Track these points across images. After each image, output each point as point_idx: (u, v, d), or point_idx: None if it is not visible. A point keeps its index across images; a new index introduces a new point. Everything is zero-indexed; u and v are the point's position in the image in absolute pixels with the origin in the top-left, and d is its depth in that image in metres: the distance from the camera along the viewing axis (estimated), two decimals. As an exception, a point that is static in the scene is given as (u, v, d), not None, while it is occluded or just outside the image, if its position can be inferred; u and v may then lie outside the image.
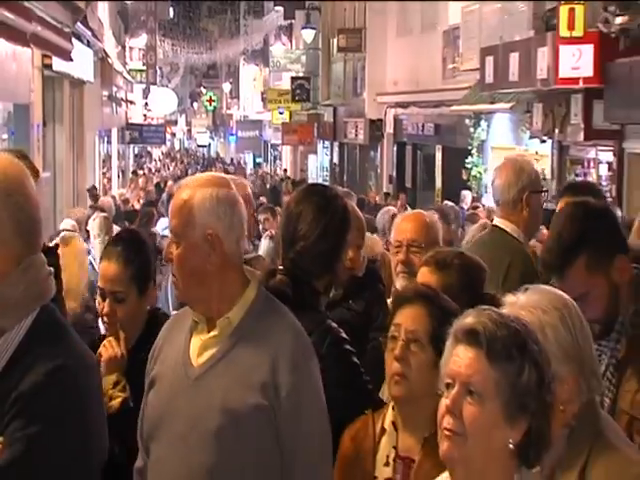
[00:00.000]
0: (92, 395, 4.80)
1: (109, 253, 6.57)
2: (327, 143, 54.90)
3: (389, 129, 42.50)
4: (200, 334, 4.91)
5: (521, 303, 3.99)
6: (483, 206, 26.75)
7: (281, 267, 5.98)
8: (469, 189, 30.57)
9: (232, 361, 4.81)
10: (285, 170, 60.41)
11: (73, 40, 25.09)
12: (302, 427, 4.81)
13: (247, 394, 4.72)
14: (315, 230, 5.84)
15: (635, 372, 5.33)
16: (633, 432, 5.21)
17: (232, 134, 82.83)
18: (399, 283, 7.03)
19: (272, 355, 4.77)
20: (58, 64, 23.53)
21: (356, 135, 47.22)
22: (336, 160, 54.22)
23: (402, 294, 5.32)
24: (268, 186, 51.82)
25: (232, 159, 79.94)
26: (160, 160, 70.12)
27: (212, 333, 4.86)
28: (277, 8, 58.09)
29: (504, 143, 31.17)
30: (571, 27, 22.77)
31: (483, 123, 31.87)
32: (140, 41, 55.27)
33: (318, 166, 55.84)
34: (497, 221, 8.39)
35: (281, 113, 57.44)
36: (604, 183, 23.97)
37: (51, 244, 8.24)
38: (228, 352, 4.83)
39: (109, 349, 6.18)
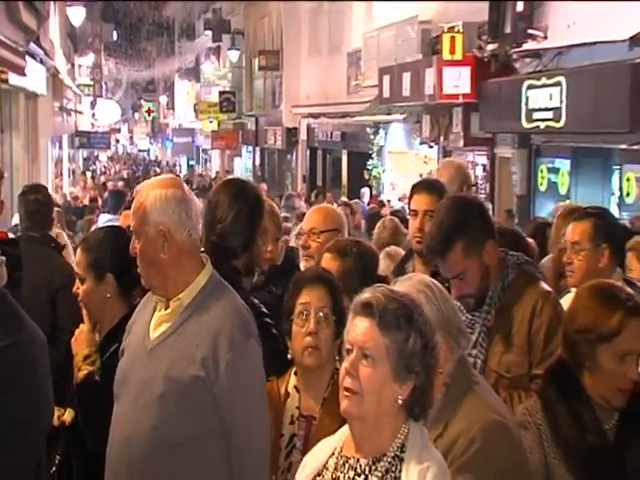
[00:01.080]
0: (40, 368, 4.89)
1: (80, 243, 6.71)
2: (250, 148, 54.83)
3: (303, 136, 42.52)
4: (159, 312, 4.92)
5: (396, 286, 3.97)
6: (389, 201, 27.03)
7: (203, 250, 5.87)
8: (369, 187, 30.64)
9: (180, 336, 4.82)
10: (217, 172, 60.14)
11: (27, 58, 24.99)
12: (239, 398, 4.80)
13: (189, 366, 4.74)
14: (230, 213, 5.87)
15: (501, 337, 5.49)
16: (499, 387, 5.35)
17: (168, 140, 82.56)
18: (302, 265, 7.03)
19: (214, 333, 4.78)
20: (14, 79, 23.52)
21: (275, 141, 47.30)
22: (258, 162, 54.22)
23: (304, 276, 5.32)
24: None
25: (168, 162, 79.74)
26: (106, 163, 69.45)
27: (166, 311, 4.87)
28: (207, 32, 57.91)
29: (399, 148, 31.32)
30: (452, 52, 23.08)
31: (381, 131, 31.91)
32: (88, 59, 54.95)
33: (242, 167, 55.72)
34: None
35: (211, 122, 57.30)
36: (480, 182, 24.32)
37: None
38: (177, 328, 4.84)
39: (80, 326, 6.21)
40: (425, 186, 7.25)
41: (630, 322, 4.50)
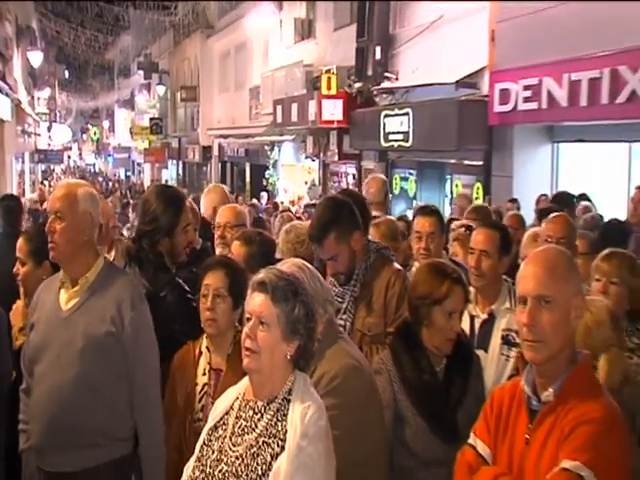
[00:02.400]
0: (2, 336, 5.03)
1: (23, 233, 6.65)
2: (174, 161, 54.18)
3: (215, 152, 42.11)
4: (67, 289, 4.92)
5: (283, 268, 3.97)
6: (282, 202, 26.96)
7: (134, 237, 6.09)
8: (267, 192, 30.50)
9: (90, 304, 4.86)
10: (151, 180, 59.23)
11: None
12: (139, 347, 4.88)
13: (101, 325, 4.80)
14: (157, 208, 5.85)
15: (365, 305, 5.54)
16: (363, 343, 5.40)
17: (110, 156, 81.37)
18: (218, 251, 7.01)
19: (118, 299, 4.86)
20: None
21: (193, 156, 46.78)
22: (180, 173, 53.72)
23: (208, 262, 5.30)
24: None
25: (106, 174, 78.67)
26: (60, 174, 68.08)
27: (76, 288, 4.89)
28: (139, 72, 57.03)
29: (289, 161, 30.99)
30: (329, 88, 23.06)
31: (276, 148, 31.73)
32: (44, 93, 53.63)
33: (169, 177, 54.92)
34: (376, 214, 8.24)
35: (143, 142, 56.50)
36: (351, 187, 24.16)
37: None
38: (87, 299, 4.88)
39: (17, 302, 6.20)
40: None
41: (455, 289, 4.66)
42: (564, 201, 10.95)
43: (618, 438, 3.28)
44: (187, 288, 5.73)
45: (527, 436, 3.39)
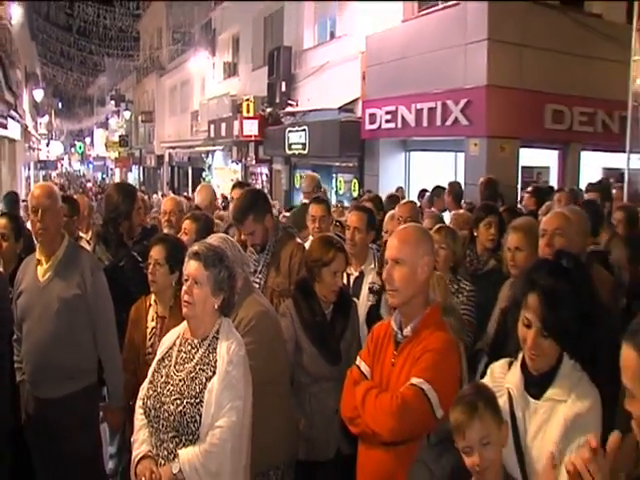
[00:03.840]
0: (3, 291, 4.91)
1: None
2: (137, 166, 53.27)
3: (166, 159, 41.42)
4: (42, 265, 4.86)
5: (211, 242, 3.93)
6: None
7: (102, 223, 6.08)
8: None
9: (61, 275, 4.81)
10: (120, 180, 58.22)
11: (9, 119, 24.20)
12: (99, 303, 4.85)
13: (70, 289, 4.76)
14: (117, 200, 5.90)
15: (274, 268, 5.45)
16: (273, 297, 5.34)
17: (90, 163, 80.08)
18: (165, 230, 6.84)
19: (80, 269, 4.81)
20: (1, 131, 23.02)
21: (150, 162, 46.00)
22: (141, 175, 52.85)
23: (152, 239, 5.16)
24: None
25: (85, 176, 77.13)
26: (55, 178, 66.34)
27: (49, 263, 4.84)
28: (112, 102, 56.07)
29: (220, 165, 30.59)
30: (248, 112, 22.91)
31: (210, 156, 31.43)
32: (44, 119, 52.37)
33: (133, 178, 53.85)
34: (306, 202, 8.27)
35: (114, 153, 55.63)
36: (265, 184, 24.22)
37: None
38: (58, 272, 4.81)
39: None
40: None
41: (338, 255, 4.65)
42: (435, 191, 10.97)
43: (452, 362, 3.41)
44: (140, 259, 5.67)
45: (393, 360, 3.47)
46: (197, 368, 3.50)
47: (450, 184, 10.46)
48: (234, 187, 9.03)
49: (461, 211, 7.11)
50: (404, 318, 3.50)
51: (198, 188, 8.96)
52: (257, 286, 5.34)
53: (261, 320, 4.16)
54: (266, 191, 21.52)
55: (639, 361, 1.89)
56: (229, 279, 3.59)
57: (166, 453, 3.46)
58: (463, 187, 10.69)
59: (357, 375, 3.60)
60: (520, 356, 3.00)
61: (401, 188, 13.66)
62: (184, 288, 3.53)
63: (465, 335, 4.47)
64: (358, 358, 3.68)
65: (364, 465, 3.61)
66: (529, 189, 9.45)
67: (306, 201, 8.27)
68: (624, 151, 11.24)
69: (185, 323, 3.68)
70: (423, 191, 12.48)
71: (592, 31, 14.16)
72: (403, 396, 3.27)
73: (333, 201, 15.50)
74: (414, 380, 3.29)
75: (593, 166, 15.38)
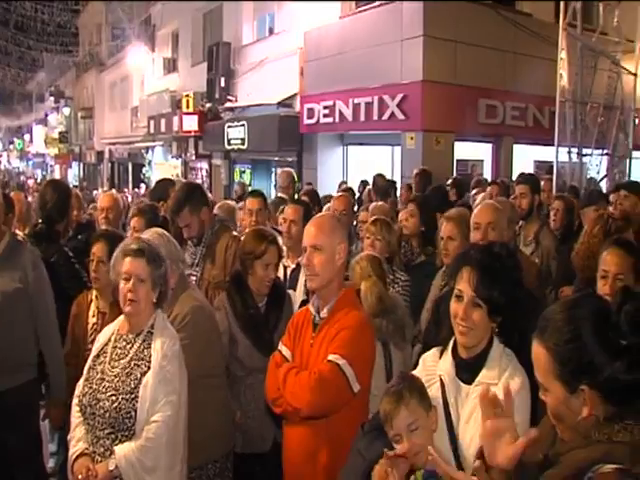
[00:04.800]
0: None
1: None
2: (77, 163, 52.39)
3: (106, 155, 40.78)
4: None
5: (146, 237, 3.93)
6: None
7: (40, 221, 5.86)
8: (145, 183, 29.36)
9: (3, 269, 4.68)
10: (61, 177, 57.21)
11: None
12: (40, 296, 4.79)
13: (12, 283, 4.66)
14: (52, 198, 5.79)
15: (210, 261, 5.48)
16: (209, 289, 5.34)
17: (30, 160, 78.47)
18: (103, 227, 6.65)
19: (22, 264, 4.73)
20: None
21: (90, 159, 45.25)
22: (82, 172, 52.04)
23: (94, 236, 5.03)
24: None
25: (25, 173, 75.57)
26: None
27: None
28: (51, 98, 54.91)
29: (160, 160, 30.13)
30: (188, 107, 22.83)
31: (150, 151, 31.07)
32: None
33: (73, 175, 52.85)
34: (282, 196, 8.24)
35: (54, 148, 54.69)
36: (205, 179, 24.14)
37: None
38: (0, 266, 4.68)
39: None
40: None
41: (270, 248, 4.64)
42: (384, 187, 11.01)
43: (366, 339, 3.59)
44: (71, 254, 5.63)
45: (311, 342, 3.60)
46: (132, 363, 3.50)
47: (373, 177, 10.59)
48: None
49: (380, 203, 7.24)
50: (321, 301, 3.64)
51: (177, 186, 8.94)
52: (194, 279, 5.33)
53: (196, 315, 4.14)
54: (206, 186, 21.50)
55: (548, 357, 1.99)
56: (165, 274, 3.61)
57: (102, 450, 3.44)
58: (399, 180, 10.79)
59: (279, 359, 3.70)
60: (451, 343, 3.04)
61: (345, 183, 13.68)
62: (127, 286, 3.50)
63: (402, 339, 4.44)
64: (280, 343, 3.80)
65: (288, 446, 3.71)
66: (449, 182, 9.54)
67: (283, 196, 8.35)
68: (554, 144, 11.49)
69: (121, 319, 3.68)
70: (364, 182, 12.58)
71: (523, 29, 14.49)
72: (320, 372, 3.42)
73: (272, 195, 15.49)
74: (330, 357, 3.43)
75: (525, 159, 15.78)
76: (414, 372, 3.17)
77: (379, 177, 10.68)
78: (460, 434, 2.88)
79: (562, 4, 12.16)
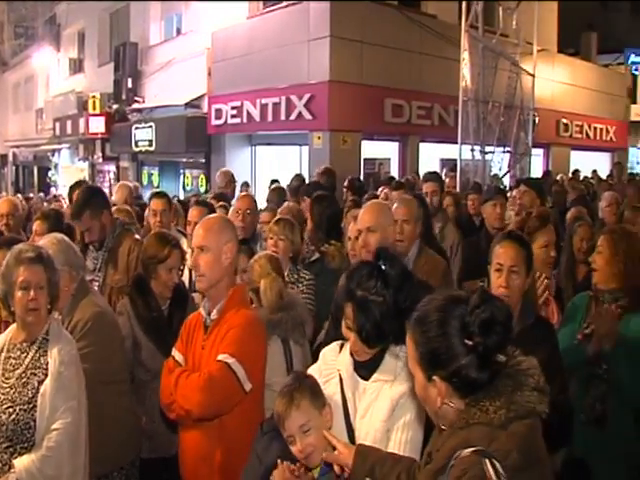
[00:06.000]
0: None
1: None
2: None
3: (10, 158, 39.00)
4: None
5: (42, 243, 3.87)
6: (60, 195, 25.80)
7: None
8: (50, 187, 28.77)
9: None
10: None
11: None
12: None
13: None
14: None
15: (112, 265, 5.40)
16: (112, 294, 5.28)
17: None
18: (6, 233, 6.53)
19: None
20: None
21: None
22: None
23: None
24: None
25: None
26: None
27: None
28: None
29: (67, 163, 29.28)
30: (94, 109, 22.43)
31: (56, 154, 30.24)
32: None
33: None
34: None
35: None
36: (113, 182, 23.61)
37: None
38: None
39: None
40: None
41: (173, 251, 4.58)
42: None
43: (255, 336, 3.58)
44: None
45: (203, 344, 3.59)
46: (28, 373, 3.41)
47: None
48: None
49: (291, 203, 7.29)
50: (211, 302, 3.64)
51: (116, 187, 8.90)
52: (96, 284, 5.25)
53: (97, 321, 4.04)
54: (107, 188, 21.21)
55: (412, 345, 2.15)
56: (58, 279, 3.56)
57: (0, 465, 3.35)
58: (307, 179, 10.82)
59: (172, 364, 3.68)
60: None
61: (246, 183, 13.69)
62: (29, 295, 3.41)
63: (301, 335, 4.45)
64: (173, 349, 3.76)
65: (184, 449, 3.69)
66: (345, 183, 9.63)
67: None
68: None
69: (12, 327, 3.58)
70: (274, 182, 12.59)
71: (428, 30, 14.81)
72: (209, 372, 3.42)
73: (181, 196, 15.37)
74: (220, 356, 3.43)
75: (431, 157, 16.12)
76: (314, 366, 3.19)
77: (295, 177, 10.72)
78: (357, 428, 2.90)
79: (464, 6, 12.46)
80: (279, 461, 2.80)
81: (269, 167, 16.00)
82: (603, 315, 3.91)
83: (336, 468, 2.66)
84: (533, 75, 14.29)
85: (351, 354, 3.00)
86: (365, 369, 2.95)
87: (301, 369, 4.26)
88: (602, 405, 3.91)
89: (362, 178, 12.02)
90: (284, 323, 4.29)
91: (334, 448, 2.66)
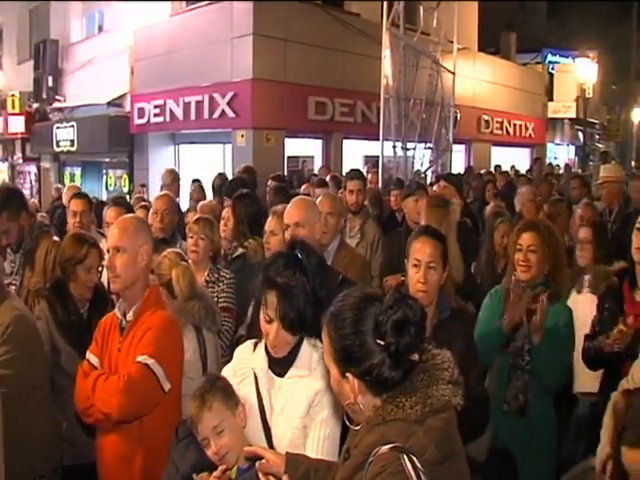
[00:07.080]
0: None
1: None
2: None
3: None
4: None
5: None
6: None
7: None
8: None
9: None
10: None
11: None
12: None
13: None
14: None
15: (29, 268, 5.27)
16: (29, 298, 5.13)
17: None
18: None
19: None
20: None
21: None
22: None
23: None
24: None
25: None
26: None
27: None
28: None
29: None
30: (13, 108, 22.03)
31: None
32: None
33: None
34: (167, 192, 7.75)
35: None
36: (34, 183, 23.28)
37: None
38: None
39: None
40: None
41: (91, 251, 4.52)
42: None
43: (173, 337, 3.61)
44: None
45: (119, 346, 3.57)
46: None
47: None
48: None
49: (208, 200, 7.31)
50: (126, 303, 3.62)
51: (65, 189, 8.86)
52: (14, 288, 5.12)
53: (17, 326, 3.90)
54: (35, 190, 20.68)
55: (328, 343, 2.14)
56: None
57: None
58: (230, 177, 10.78)
59: (87, 368, 3.63)
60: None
61: (142, 184, 13.68)
62: None
63: (213, 323, 4.48)
64: (88, 352, 3.71)
65: (102, 454, 3.66)
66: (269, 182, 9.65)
67: (168, 192, 8.14)
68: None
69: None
70: (195, 181, 12.48)
71: (351, 28, 14.92)
72: (129, 374, 3.40)
73: (104, 197, 15.16)
74: (139, 358, 3.42)
75: (355, 154, 16.29)
76: (228, 366, 3.18)
77: (218, 176, 10.67)
78: (273, 426, 2.91)
79: (385, 5, 12.58)
80: (194, 476, 2.79)
81: (193, 166, 15.88)
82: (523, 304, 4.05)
83: (262, 478, 2.59)
84: (454, 73, 14.54)
85: (266, 352, 2.99)
86: (280, 366, 2.95)
87: (214, 356, 4.40)
88: (524, 396, 4.06)
89: (286, 176, 12.02)
90: (197, 311, 4.32)
91: (260, 457, 2.58)
